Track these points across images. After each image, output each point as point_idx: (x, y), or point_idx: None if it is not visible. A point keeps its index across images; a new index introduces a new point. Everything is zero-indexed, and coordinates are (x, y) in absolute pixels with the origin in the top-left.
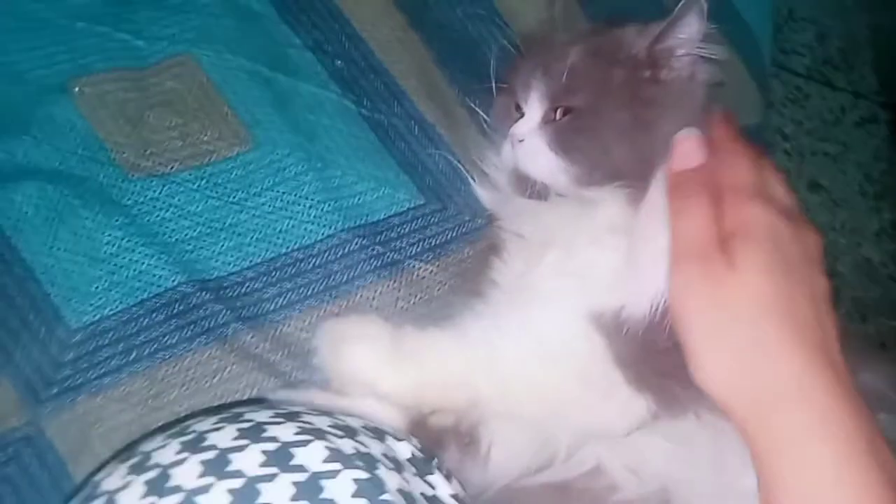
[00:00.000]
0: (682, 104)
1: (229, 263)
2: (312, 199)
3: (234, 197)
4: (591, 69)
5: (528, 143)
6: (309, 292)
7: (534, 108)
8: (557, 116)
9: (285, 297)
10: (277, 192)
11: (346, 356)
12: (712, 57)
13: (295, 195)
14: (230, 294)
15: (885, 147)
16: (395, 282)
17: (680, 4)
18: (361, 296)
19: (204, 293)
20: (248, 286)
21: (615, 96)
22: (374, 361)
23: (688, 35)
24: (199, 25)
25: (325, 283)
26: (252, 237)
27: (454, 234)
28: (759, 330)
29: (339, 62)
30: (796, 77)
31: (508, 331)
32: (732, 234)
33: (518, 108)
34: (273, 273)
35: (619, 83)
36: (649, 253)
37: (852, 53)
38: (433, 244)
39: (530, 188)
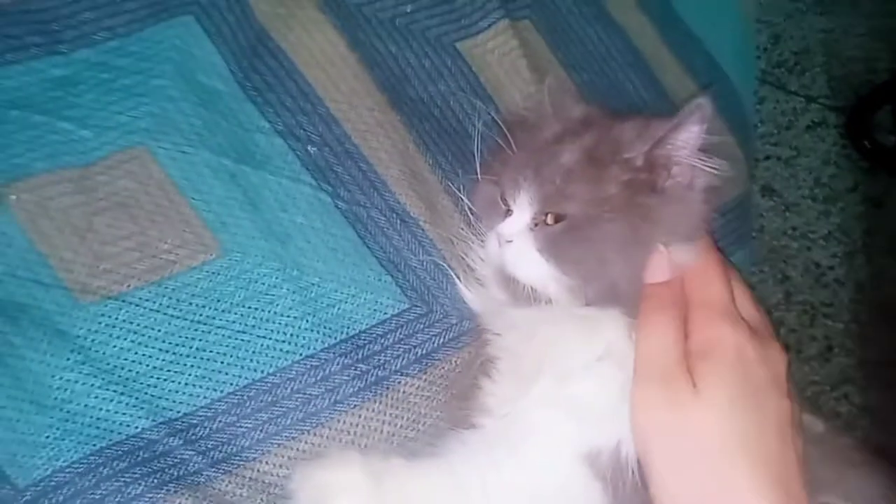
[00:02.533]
0: (681, 214)
1: (198, 396)
2: (288, 315)
3: (200, 315)
4: (586, 174)
5: (517, 246)
6: (287, 422)
7: (522, 209)
8: (549, 221)
9: (261, 429)
10: (249, 307)
11: None
12: (711, 166)
13: (268, 311)
14: (200, 434)
15: (835, 151)
16: (379, 403)
17: (683, 109)
18: (344, 421)
19: (171, 438)
20: (220, 421)
21: (611, 204)
22: None
23: (688, 141)
24: (154, 111)
25: (304, 410)
26: (222, 362)
27: (441, 341)
28: (722, 466)
29: (313, 148)
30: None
31: (500, 471)
32: (699, 355)
33: (505, 203)
34: (247, 403)
35: (615, 191)
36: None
37: (805, 57)
38: (419, 354)
39: (519, 291)
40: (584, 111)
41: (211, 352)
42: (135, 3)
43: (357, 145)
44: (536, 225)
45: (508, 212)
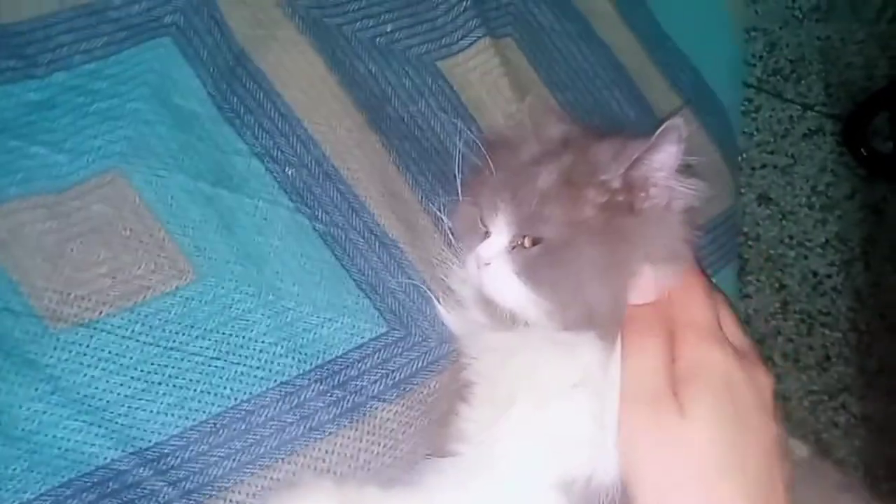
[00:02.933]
0: (658, 236)
1: (170, 425)
2: (263, 341)
3: (173, 341)
4: (563, 196)
5: (495, 268)
6: (261, 450)
7: (500, 232)
8: (526, 244)
9: (234, 458)
10: (223, 333)
11: None
12: (689, 188)
13: (243, 337)
14: (172, 463)
15: (832, 159)
16: (356, 430)
17: (658, 131)
18: (319, 449)
19: (142, 468)
20: (192, 450)
21: (588, 227)
22: None
23: (665, 162)
24: (129, 135)
25: (278, 437)
26: (195, 390)
27: (419, 365)
28: (710, 489)
29: (291, 170)
30: (747, 88)
31: (476, 500)
32: (685, 379)
33: (484, 224)
34: (220, 431)
35: (592, 213)
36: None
37: (801, 64)
38: (397, 379)
39: (498, 313)
40: (563, 131)
41: (184, 379)
42: (112, 26)
43: (336, 167)
44: (514, 247)
45: (487, 234)
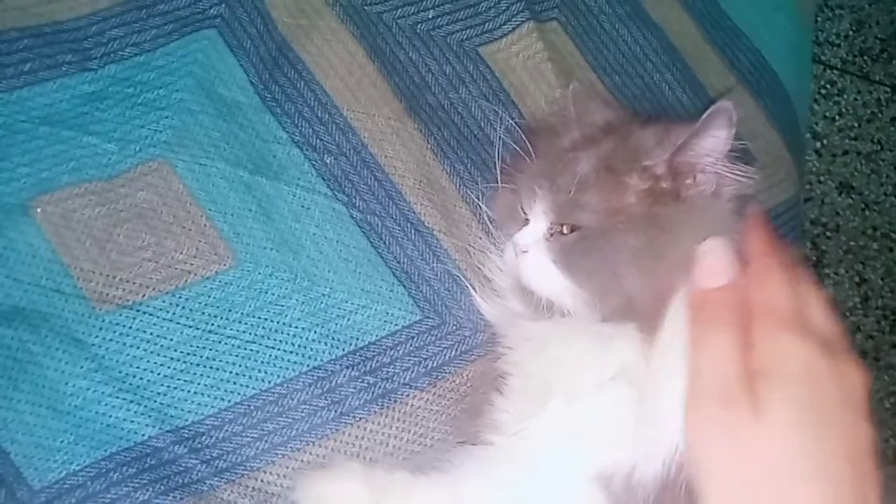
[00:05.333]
0: (704, 225)
1: (206, 405)
2: (297, 326)
3: (211, 325)
4: (602, 183)
5: (532, 256)
6: (293, 433)
7: (538, 219)
8: (565, 231)
9: (266, 440)
10: (258, 318)
11: None
12: (740, 174)
13: (277, 321)
14: (206, 443)
15: None
16: (386, 416)
17: (705, 114)
18: (350, 434)
19: (177, 446)
20: (227, 430)
21: (628, 216)
22: None
23: (713, 147)
24: (175, 124)
25: (309, 421)
26: (231, 372)
27: (452, 354)
28: (787, 496)
29: (329, 158)
30: (830, 70)
31: (507, 490)
32: (761, 373)
33: (523, 211)
34: (254, 413)
35: (634, 200)
36: (662, 401)
37: (891, 43)
38: (429, 367)
39: (536, 303)
40: (607, 117)
41: (220, 361)
42: (161, 19)
43: (373, 154)
44: (552, 235)
45: (526, 221)
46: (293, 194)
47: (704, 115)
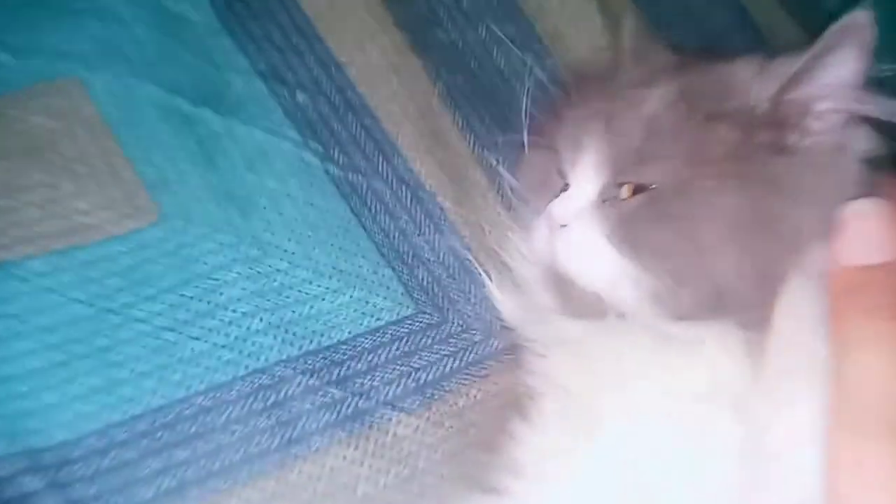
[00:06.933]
0: (830, 186)
1: (88, 418)
2: (236, 310)
3: (114, 302)
4: (682, 126)
5: (575, 232)
6: (215, 466)
7: (586, 180)
8: (623, 195)
9: (175, 474)
10: (183, 295)
11: None
12: (876, 115)
13: (209, 302)
14: (79, 474)
15: None
16: (356, 448)
17: (828, 31)
18: (301, 472)
19: (32, 477)
20: (113, 457)
21: (718, 171)
22: None
23: (837, 80)
24: (98, 35)
25: (242, 449)
26: (132, 370)
27: (456, 364)
28: None
29: (303, 95)
30: None
31: None
32: None
33: (562, 174)
34: (158, 434)
35: (726, 150)
36: (783, 435)
37: None
38: (422, 381)
39: (577, 298)
40: (674, 59)
41: (118, 354)
42: None
43: (362, 95)
44: (605, 201)
45: (565, 187)
46: (250, 136)
47: (826, 34)
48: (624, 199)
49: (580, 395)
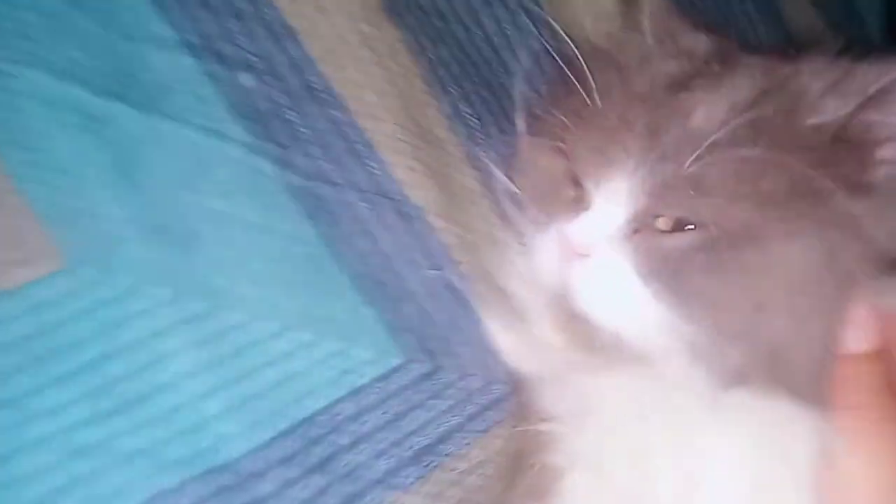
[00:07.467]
0: None
1: None
2: (182, 390)
3: (8, 389)
4: (744, 151)
5: (600, 264)
6: None
7: (615, 202)
8: (661, 226)
9: None
10: (102, 371)
11: None
12: None
13: (143, 380)
14: None
15: None
16: None
17: None
18: None
19: None
20: None
21: (788, 213)
22: None
23: None
24: None
25: None
26: (45, 489)
27: (454, 422)
28: None
29: (249, 77)
30: None
31: None
32: None
33: (577, 184)
34: None
35: (796, 186)
36: None
37: None
38: (417, 448)
39: (586, 337)
40: (705, 44)
41: (18, 466)
42: None
43: (326, 77)
44: (637, 231)
45: (580, 200)
46: (181, 138)
47: None
48: (665, 232)
49: (611, 470)
